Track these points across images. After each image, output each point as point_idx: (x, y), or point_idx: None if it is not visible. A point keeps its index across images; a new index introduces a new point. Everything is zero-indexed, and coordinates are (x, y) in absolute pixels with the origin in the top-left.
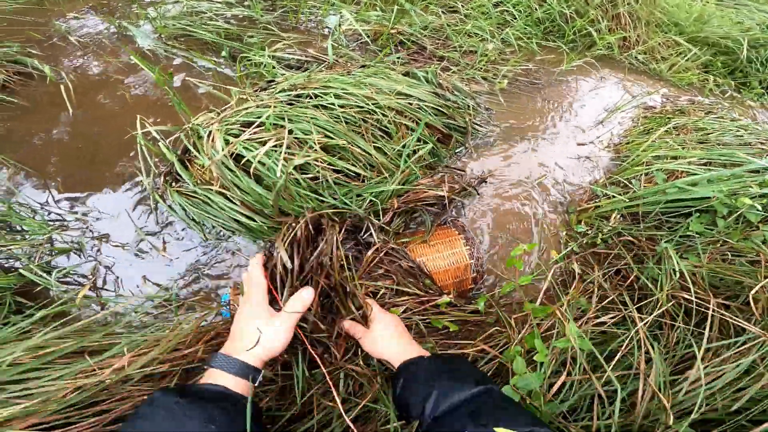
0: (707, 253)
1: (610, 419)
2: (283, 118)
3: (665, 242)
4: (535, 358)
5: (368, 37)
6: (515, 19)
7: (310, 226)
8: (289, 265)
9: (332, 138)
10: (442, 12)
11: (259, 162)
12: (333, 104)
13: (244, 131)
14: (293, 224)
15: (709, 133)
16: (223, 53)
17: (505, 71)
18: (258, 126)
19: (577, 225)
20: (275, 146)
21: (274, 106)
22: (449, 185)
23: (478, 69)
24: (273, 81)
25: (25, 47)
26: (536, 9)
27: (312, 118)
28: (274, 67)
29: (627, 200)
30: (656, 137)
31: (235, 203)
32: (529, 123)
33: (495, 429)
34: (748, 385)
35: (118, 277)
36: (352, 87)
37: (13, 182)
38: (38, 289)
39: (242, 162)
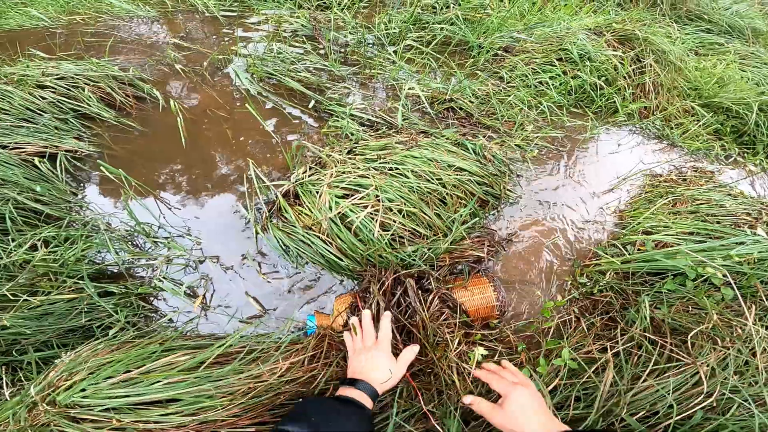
0: (675, 305)
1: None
2: (376, 188)
3: (645, 295)
4: (538, 369)
5: (428, 101)
6: (551, 89)
7: (390, 278)
8: (382, 307)
9: (408, 206)
10: (488, 77)
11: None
12: (408, 177)
13: (346, 195)
14: (380, 275)
15: (701, 204)
16: (311, 105)
17: (537, 140)
18: (356, 193)
19: (581, 277)
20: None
21: (373, 177)
22: (487, 247)
23: (514, 137)
24: (357, 143)
25: (138, 71)
26: (571, 80)
27: (396, 189)
28: (357, 130)
29: (619, 263)
30: (654, 209)
31: (328, 247)
32: (551, 188)
33: None
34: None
35: (219, 295)
36: (421, 163)
37: (135, 202)
38: (150, 299)
39: (344, 221)
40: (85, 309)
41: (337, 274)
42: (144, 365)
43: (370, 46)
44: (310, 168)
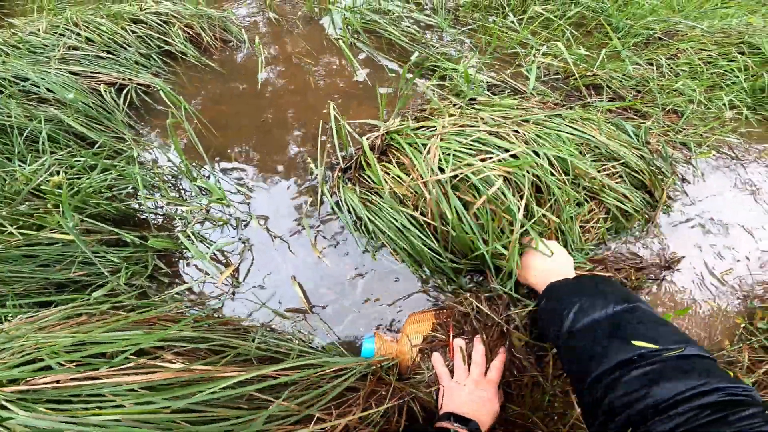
0: None
1: None
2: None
3: None
4: None
5: (557, 74)
6: (732, 83)
7: None
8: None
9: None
10: (637, 64)
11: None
12: (545, 155)
13: (465, 158)
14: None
15: None
16: (413, 58)
17: (714, 140)
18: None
19: (761, 321)
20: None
21: (511, 136)
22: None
23: (678, 132)
24: (474, 100)
25: (232, 12)
26: (763, 75)
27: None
28: (478, 83)
29: None
30: None
31: (421, 228)
32: (719, 204)
33: (634, 342)
34: None
35: (258, 268)
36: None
37: (193, 143)
38: (174, 262)
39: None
40: (81, 258)
41: (425, 275)
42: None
43: (486, 12)
44: (416, 118)
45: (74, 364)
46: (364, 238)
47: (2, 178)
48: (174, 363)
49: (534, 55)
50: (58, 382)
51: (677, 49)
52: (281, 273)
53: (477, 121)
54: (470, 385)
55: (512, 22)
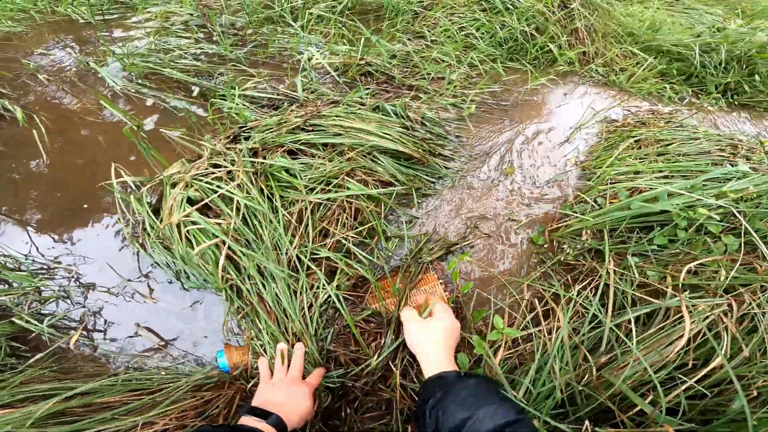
0: (670, 265)
1: None
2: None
3: (631, 256)
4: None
5: (337, 70)
6: (479, 41)
7: None
8: None
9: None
10: (408, 39)
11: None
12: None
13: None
14: None
15: (668, 144)
16: (195, 93)
17: (473, 95)
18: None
19: (540, 238)
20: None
21: (241, 174)
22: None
23: (447, 96)
24: (245, 126)
25: None
26: (498, 30)
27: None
28: (244, 108)
29: (592, 219)
30: (618, 154)
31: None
32: (498, 147)
33: None
34: None
35: (106, 322)
36: (325, 137)
37: None
38: (31, 335)
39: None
40: None
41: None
42: None
43: (272, 24)
44: (186, 163)
45: None
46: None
47: None
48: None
49: (307, 62)
50: None
51: (433, 18)
52: (130, 323)
53: (228, 160)
54: (286, 385)
55: (296, 28)
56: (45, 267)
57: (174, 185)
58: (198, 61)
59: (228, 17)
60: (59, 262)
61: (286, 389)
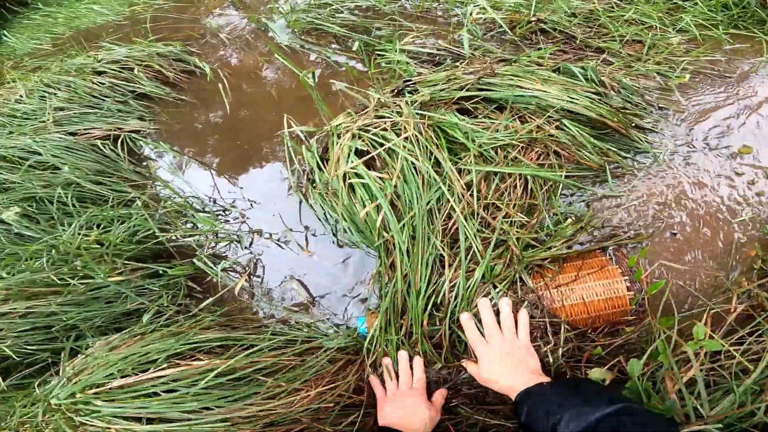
0: None
1: None
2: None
3: None
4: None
5: (501, 28)
6: (694, 3)
7: None
8: None
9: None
10: None
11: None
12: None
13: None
14: None
15: None
16: (355, 47)
17: (686, 62)
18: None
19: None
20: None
21: (407, 127)
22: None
23: (649, 62)
24: (409, 81)
25: (186, 45)
26: None
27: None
28: (407, 63)
29: None
30: None
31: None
32: (715, 126)
33: None
34: None
35: (264, 270)
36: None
37: (186, 174)
38: (207, 278)
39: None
40: (132, 292)
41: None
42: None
43: None
44: (352, 114)
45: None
46: (333, 230)
47: (49, 245)
48: (201, 359)
49: (468, 16)
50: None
51: None
52: (284, 273)
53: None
54: (400, 398)
55: None
56: (222, 210)
57: (340, 136)
58: (354, 16)
59: None
60: (235, 206)
61: (400, 401)
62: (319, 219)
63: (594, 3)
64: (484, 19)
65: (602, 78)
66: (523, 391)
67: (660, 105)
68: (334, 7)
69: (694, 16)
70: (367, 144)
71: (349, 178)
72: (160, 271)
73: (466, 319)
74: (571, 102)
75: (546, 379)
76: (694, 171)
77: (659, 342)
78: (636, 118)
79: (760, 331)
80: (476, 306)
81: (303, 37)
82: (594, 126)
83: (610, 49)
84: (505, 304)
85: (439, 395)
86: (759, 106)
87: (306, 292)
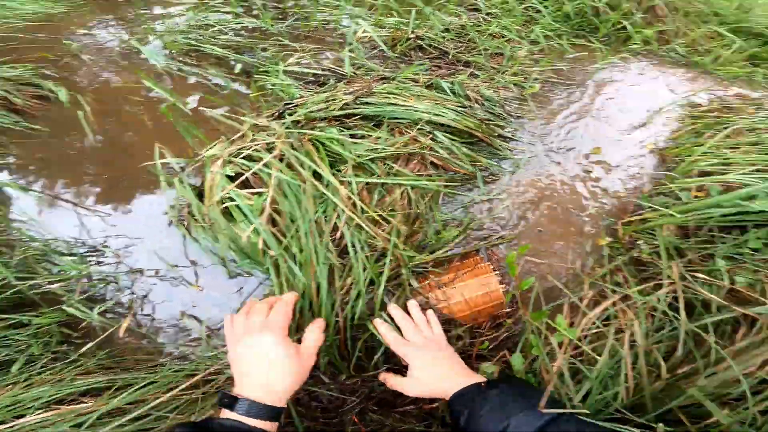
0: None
1: None
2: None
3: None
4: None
5: (386, 44)
6: (543, 15)
7: None
8: None
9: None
10: (462, 12)
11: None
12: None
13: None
14: None
15: (763, 133)
16: (237, 69)
17: (536, 74)
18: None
19: (605, 238)
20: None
21: (281, 143)
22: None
23: (507, 73)
24: (290, 103)
25: (39, 68)
26: (565, 3)
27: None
28: (289, 86)
29: (677, 214)
30: (714, 141)
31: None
32: (562, 130)
33: None
34: None
35: (153, 309)
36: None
37: (45, 214)
38: (83, 323)
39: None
40: None
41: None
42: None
43: None
44: (227, 140)
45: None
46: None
47: None
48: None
49: (352, 36)
50: None
51: None
52: (176, 310)
53: (270, 134)
54: (245, 335)
55: None
56: (93, 250)
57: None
58: (239, 37)
59: None
60: (107, 246)
61: (246, 339)
62: (203, 251)
63: (464, 18)
64: (369, 37)
65: (468, 92)
66: (458, 392)
67: (517, 114)
68: (216, 28)
69: (543, 28)
70: (239, 168)
71: (225, 204)
72: (25, 321)
73: (380, 323)
74: (439, 115)
75: (479, 378)
76: (550, 172)
77: (532, 336)
78: (498, 128)
79: (607, 315)
80: (388, 312)
81: (182, 59)
82: (463, 137)
83: (476, 63)
84: (413, 306)
85: (311, 332)
86: (595, 109)
87: (201, 325)
